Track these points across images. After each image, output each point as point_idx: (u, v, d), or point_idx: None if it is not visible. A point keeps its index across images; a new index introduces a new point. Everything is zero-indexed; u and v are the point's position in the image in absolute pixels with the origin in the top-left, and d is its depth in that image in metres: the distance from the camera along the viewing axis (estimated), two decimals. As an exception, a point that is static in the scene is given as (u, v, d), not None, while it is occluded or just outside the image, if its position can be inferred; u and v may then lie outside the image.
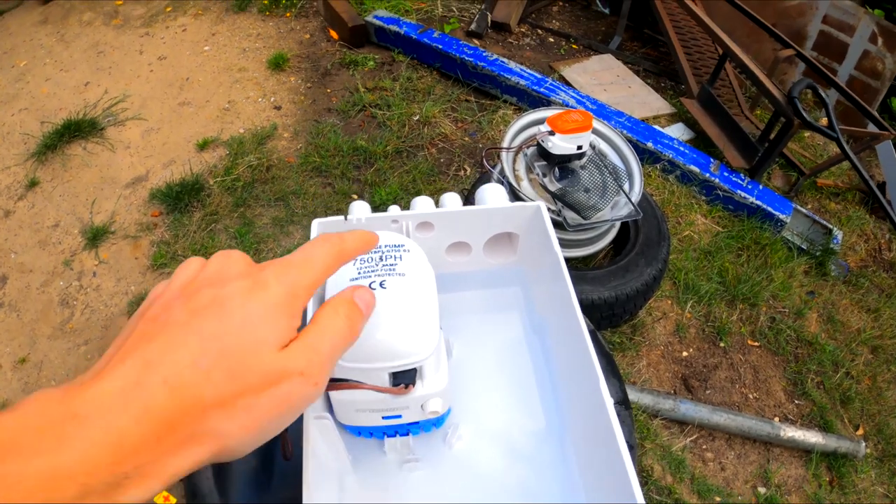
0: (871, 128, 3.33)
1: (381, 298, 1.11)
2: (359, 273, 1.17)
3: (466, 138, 3.59)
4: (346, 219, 1.31)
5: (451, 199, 1.42)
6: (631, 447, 1.24)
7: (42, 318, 2.90)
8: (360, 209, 1.42)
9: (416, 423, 1.18)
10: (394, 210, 1.36)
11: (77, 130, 3.61)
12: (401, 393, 1.07)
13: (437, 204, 1.43)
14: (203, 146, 3.51)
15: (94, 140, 3.59)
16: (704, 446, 2.70)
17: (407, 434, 1.21)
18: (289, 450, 1.03)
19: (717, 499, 2.58)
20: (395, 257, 1.15)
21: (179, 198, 3.20)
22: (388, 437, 1.22)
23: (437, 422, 1.22)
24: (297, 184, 3.28)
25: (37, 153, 3.55)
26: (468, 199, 2.86)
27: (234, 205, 3.20)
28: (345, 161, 3.37)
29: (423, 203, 1.41)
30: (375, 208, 3.10)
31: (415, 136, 3.54)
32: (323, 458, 1.16)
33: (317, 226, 1.30)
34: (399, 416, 1.14)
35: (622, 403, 1.31)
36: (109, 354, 0.40)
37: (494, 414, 1.30)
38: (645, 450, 2.59)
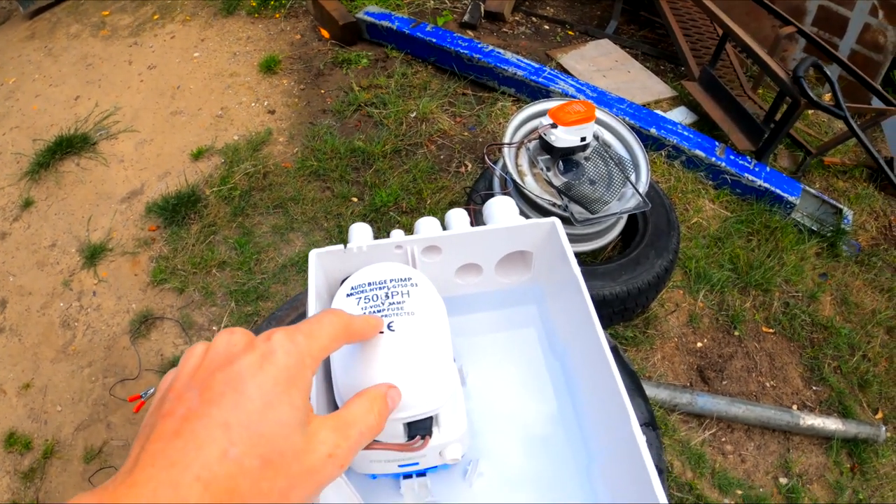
0: (876, 102, 3.26)
1: (391, 343, 1.04)
2: (364, 314, 1.11)
3: (466, 133, 3.52)
4: (346, 247, 1.24)
5: (458, 219, 1.36)
6: (660, 471, 1.20)
7: (44, 342, 2.86)
8: (360, 234, 1.35)
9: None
10: (397, 235, 1.29)
11: (69, 146, 3.56)
12: (418, 450, 1.01)
13: (442, 224, 1.36)
14: (197, 156, 3.46)
15: (86, 155, 3.54)
16: (724, 438, 2.65)
17: (424, 474, 1.16)
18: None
19: (739, 492, 2.54)
20: (402, 293, 1.05)
21: (176, 210, 3.15)
22: (405, 478, 1.17)
23: (456, 458, 1.17)
24: (296, 189, 3.22)
25: (30, 172, 3.50)
26: (470, 199, 2.80)
27: (232, 214, 3.15)
28: (342, 163, 3.31)
29: (427, 225, 1.34)
30: (376, 210, 3.08)
31: (413, 133, 3.47)
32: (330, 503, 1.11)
33: (315, 257, 1.23)
34: (416, 464, 1.09)
35: (649, 425, 1.26)
36: (135, 456, 0.39)
37: (516, 448, 1.25)
38: (664, 446, 2.55)
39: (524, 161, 2.72)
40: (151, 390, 2.62)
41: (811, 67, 3.06)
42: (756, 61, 3.22)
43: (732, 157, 3.27)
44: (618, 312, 2.68)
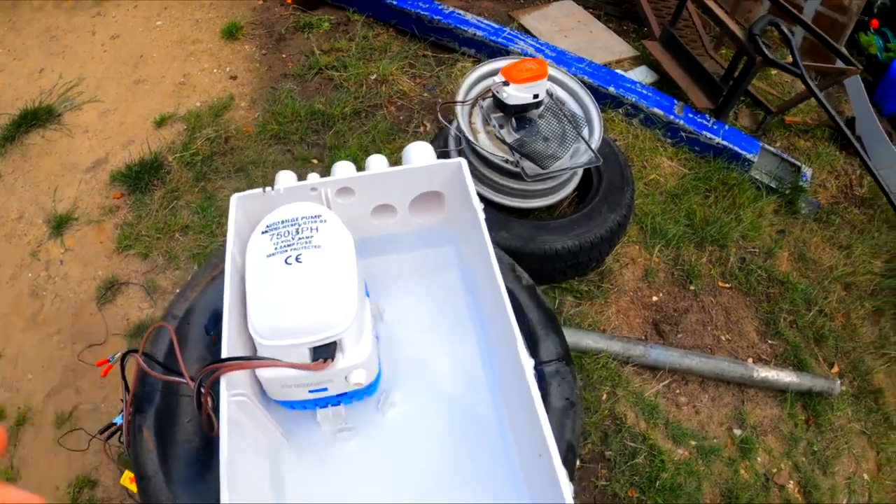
0: (839, 64, 3.27)
1: (296, 274, 1.09)
2: (275, 248, 1.14)
3: (425, 94, 3.53)
4: (264, 191, 1.27)
5: (376, 162, 1.38)
6: (572, 403, 1.23)
7: (14, 312, 2.87)
8: (284, 180, 1.38)
9: (346, 393, 1.16)
10: (313, 178, 1.32)
11: (34, 119, 3.54)
12: (319, 368, 1.05)
13: (363, 168, 1.39)
14: (160, 123, 3.45)
15: (51, 127, 3.53)
16: (678, 391, 2.70)
17: (339, 404, 1.20)
18: (214, 429, 1.01)
19: (693, 443, 2.58)
20: (311, 229, 1.12)
21: (139, 178, 3.15)
22: (321, 408, 1.21)
23: (369, 390, 1.20)
24: (257, 153, 3.23)
25: (-5, 146, 3.49)
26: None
27: (195, 179, 3.16)
28: (303, 126, 3.32)
29: (343, 168, 1.37)
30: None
31: (373, 95, 3.48)
32: (250, 434, 1.14)
33: (236, 200, 1.27)
34: (325, 389, 1.13)
35: (562, 360, 1.29)
36: None
37: (428, 378, 1.28)
38: (617, 397, 2.59)
39: (478, 119, 2.73)
40: (118, 354, 2.65)
41: (770, 26, 3.06)
42: (713, 20, 3.23)
43: (691, 116, 3.28)
44: (571, 266, 2.71)
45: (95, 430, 2.53)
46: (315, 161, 3.18)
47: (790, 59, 3.05)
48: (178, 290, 1.41)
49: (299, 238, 1.11)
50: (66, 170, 3.34)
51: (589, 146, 2.56)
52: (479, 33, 3.51)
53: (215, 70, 3.72)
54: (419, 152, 1.36)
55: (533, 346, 1.24)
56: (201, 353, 1.27)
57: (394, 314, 1.35)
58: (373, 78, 3.54)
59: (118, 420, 1.50)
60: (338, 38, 3.76)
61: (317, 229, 1.12)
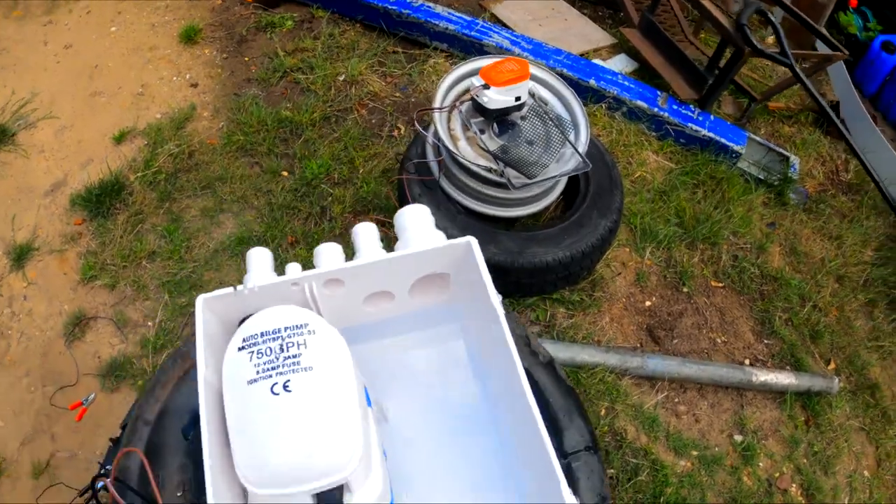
0: (820, 46, 3.18)
1: (286, 406, 0.90)
2: (257, 372, 0.94)
3: (397, 94, 3.36)
4: (235, 290, 1.07)
5: (366, 237, 1.19)
6: (604, 499, 1.10)
7: (-20, 354, 2.69)
8: (258, 264, 1.16)
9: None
10: (293, 270, 1.13)
11: (-13, 141, 3.30)
12: None
13: (348, 241, 1.22)
14: (120, 139, 3.24)
15: (6, 149, 3.29)
16: (676, 399, 2.61)
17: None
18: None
19: (694, 453, 2.51)
20: (297, 344, 0.94)
21: (101, 201, 2.95)
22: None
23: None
24: (223, 167, 3.04)
25: (-53, 173, 3.24)
26: (402, 168, 2.64)
27: (159, 200, 2.96)
28: (270, 136, 3.13)
29: (328, 255, 1.17)
30: (307, 183, 2.92)
31: (342, 98, 3.29)
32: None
33: (202, 304, 1.06)
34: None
35: (590, 449, 1.16)
36: None
37: (440, 486, 1.12)
38: (616, 412, 2.49)
39: (457, 125, 2.58)
40: (92, 396, 2.49)
41: (756, 14, 2.95)
42: (697, 8, 3.10)
43: (675, 107, 3.17)
44: (562, 278, 2.59)
45: (74, 480, 2.38)
46: (285, 173, 3.00)
47: (770, 40, 2.94)
48: (146, 388, 1.25)
49: (285, 358, 0.93)
50: (23, 194, 3.12)
51: (577, 151, 2.43)
52: (451, 27, 3.34)
53: (175, 78, 3.49)
54: (415, 220, 1.20)
55: (557, 436, 1.10)
56: (181, 462, 1.10)
57: (398, 411, 1.19)
58: (341, 79, 3.35)
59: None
60: (302, 37, 3.55)
61: (304, 344, 0.94)
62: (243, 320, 0.99)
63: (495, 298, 1.01)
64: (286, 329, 0.93)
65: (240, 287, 1.02)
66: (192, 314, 2.31)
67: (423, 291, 1.18)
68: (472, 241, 1.03)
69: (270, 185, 2.95)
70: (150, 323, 2.64)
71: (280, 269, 1.14)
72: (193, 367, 1.14)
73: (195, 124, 3.25)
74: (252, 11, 3.71)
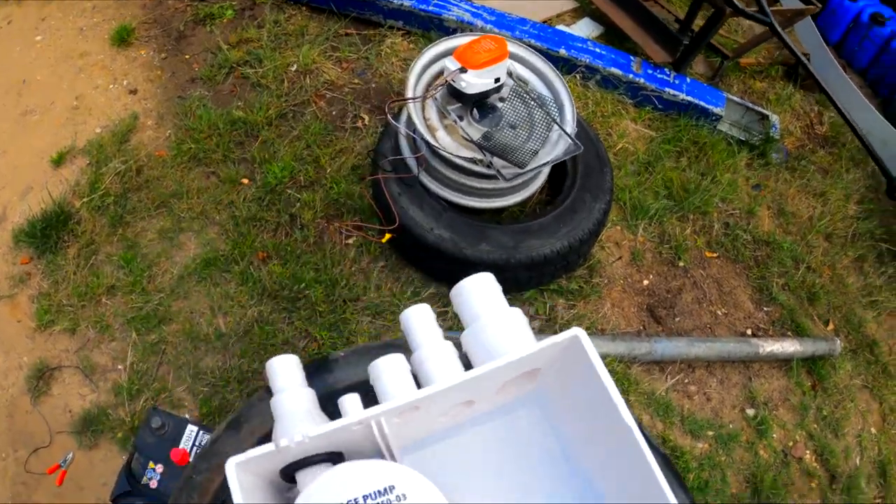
0: (793, 2, 3.08)
1: None
2: None
3: (356, 80, 3.11)
4: (278, 447, 0.79)
5: (423, 326, 0.95)
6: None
7: (-59, 427, 2.40)
8: (285, 379, 0.89)
9: None
10: (353, 405, 0.87)
11: None
12: None
13: (396, 332, 1.00)
14: (59, 161, 2.89)
15: (-67, 184, 2.93)
16: (686, 380, 2.53)
17: None
18: None
19: (710, 433, 2.46)
20: None
21: (46, 235, 2.63)
22: None
23: None
24: (176, 182, 2.74)
25: None
26: (377, 166, 2.43)
27: (111, 226, 2.65)
28: (224, 140, 2.83)
29: (391, 373, 0.91)
30: (271, 190, 2.69)
31: (297, 90, 3.02)
32: None
33: (234, 470, 0.77)
34: None
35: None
36: None
37: None
38: (630, 403, 2.39)
39: (433, 113, 2.38)
40: (70, 456, 2.24)
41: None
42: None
43: (650, 72, 3.04)
44: (560, 268, 2.45)
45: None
46: (245, 181, 2.73)
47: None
48: None
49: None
50: (-40, 235, 2.79)
51: (566, 132, 2.27)
52: (406, 3, 3.09)
53: (111, 86, 3.12)
54: (485, 301, 0.94)
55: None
56: None
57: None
58: (293, 69, 3.07)
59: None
60: (245, 26, 3.22)
61: None
62: (287, 473, 0.79)
63: (627, 415, 0.81)
64: (365, 497, 0.71)
65: (283, 442, 0.76)
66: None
67: (507, 390, 0.98)
68: (581, 334, 0.83)
69: (231, 196, 2.68)
70: (120, 366, 2.38)
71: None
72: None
73: (140, 135, 2.92)
74: (188, 4, 3.34)
